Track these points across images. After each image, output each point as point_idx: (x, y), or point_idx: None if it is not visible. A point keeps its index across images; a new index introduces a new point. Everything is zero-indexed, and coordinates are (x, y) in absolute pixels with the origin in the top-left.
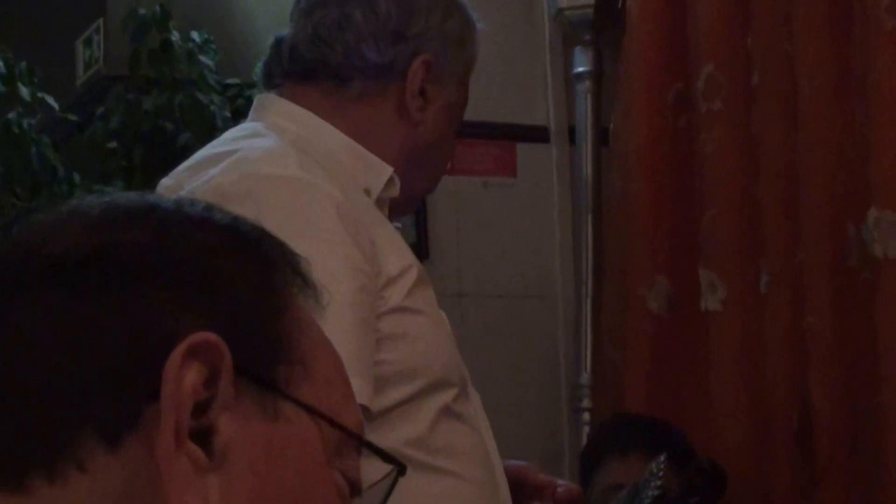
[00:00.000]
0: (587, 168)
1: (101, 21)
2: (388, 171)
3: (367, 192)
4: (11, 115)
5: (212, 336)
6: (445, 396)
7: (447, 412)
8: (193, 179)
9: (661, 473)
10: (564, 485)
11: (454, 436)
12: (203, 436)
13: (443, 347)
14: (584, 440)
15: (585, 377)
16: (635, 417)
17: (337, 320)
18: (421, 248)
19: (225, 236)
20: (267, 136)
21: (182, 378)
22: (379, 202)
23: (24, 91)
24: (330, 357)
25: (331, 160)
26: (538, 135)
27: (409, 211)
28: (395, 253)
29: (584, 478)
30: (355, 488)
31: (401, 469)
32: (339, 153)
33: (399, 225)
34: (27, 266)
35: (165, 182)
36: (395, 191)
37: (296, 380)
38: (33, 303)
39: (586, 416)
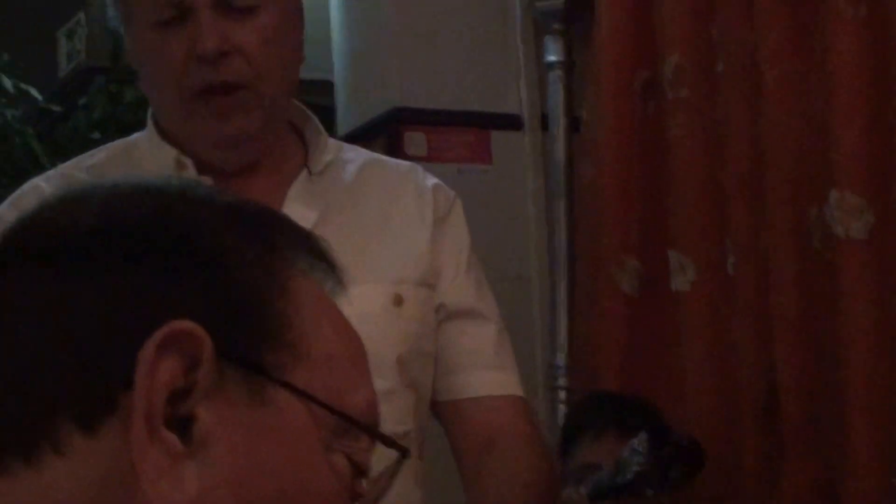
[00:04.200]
0: (560, 154)
1: (82, 12)
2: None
3: None
4: None
5: (190, 325)
6: None
7: None
8: None
9: (642, 450)
10: None
11: None
12: (182, 423)
13: None
14: (561, 419)
15: (561, 357)
16: (609, 396)
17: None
18: None
19: (224, 216)
20: None
21: (156, 367)
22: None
23: (8, 82)
24: (337, 338)
25: None
26: (512, 122)
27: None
28: None
29: (562, 457)
30: (361, 470)
31: (404, 453)
32: None
33: None
34: (19, 245)
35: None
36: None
37: (289, 363)
38: (18, 281)
39: (562, 394)
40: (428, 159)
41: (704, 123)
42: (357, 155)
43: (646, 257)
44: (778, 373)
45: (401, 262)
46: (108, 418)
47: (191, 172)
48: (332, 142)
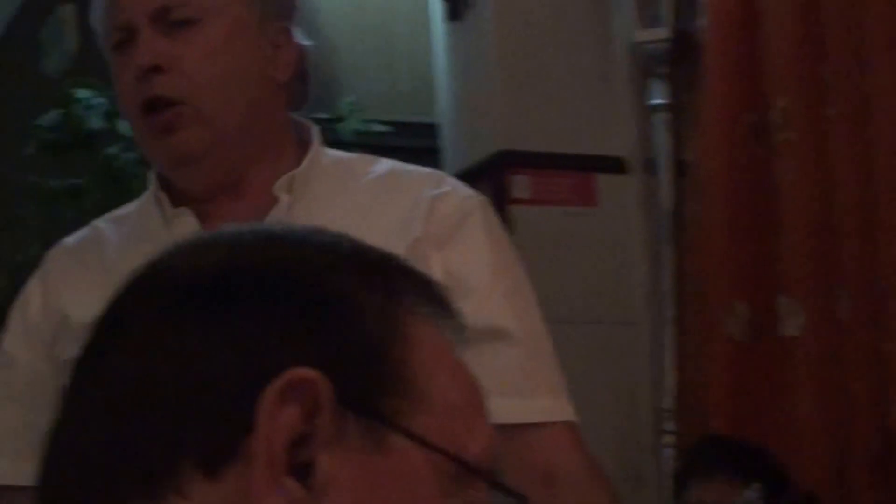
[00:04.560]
0: (666, 198)
1: None
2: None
3: None
4: (112, 150)
5: (310, 372)
6: None
7: None
8: None
9: (758, 500)
10: None
11: None
12: (303, 470)
13: None
14: (668, 463)
15: (668, 401)
16: (722, 439)
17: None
18: None
19: (346, 263)
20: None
21: (278, 414)
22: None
23: (123, 126)
24: (457, 384)
25: None
26: (617, 165)
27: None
28: None
29: (674, 498)
30: None
31: (523, 501)
32: None
33: None
34: (146, 289)
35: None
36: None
37: (408, 410)
38: (143, 326)
39: (670, 439)
40: (532, 202)
41: (814, 167)
42: (382, 167)
43: (755, 302)
44: (892, 420)
45: None
46: (230, 463)
47: (166, 207)
48: (345, 156)
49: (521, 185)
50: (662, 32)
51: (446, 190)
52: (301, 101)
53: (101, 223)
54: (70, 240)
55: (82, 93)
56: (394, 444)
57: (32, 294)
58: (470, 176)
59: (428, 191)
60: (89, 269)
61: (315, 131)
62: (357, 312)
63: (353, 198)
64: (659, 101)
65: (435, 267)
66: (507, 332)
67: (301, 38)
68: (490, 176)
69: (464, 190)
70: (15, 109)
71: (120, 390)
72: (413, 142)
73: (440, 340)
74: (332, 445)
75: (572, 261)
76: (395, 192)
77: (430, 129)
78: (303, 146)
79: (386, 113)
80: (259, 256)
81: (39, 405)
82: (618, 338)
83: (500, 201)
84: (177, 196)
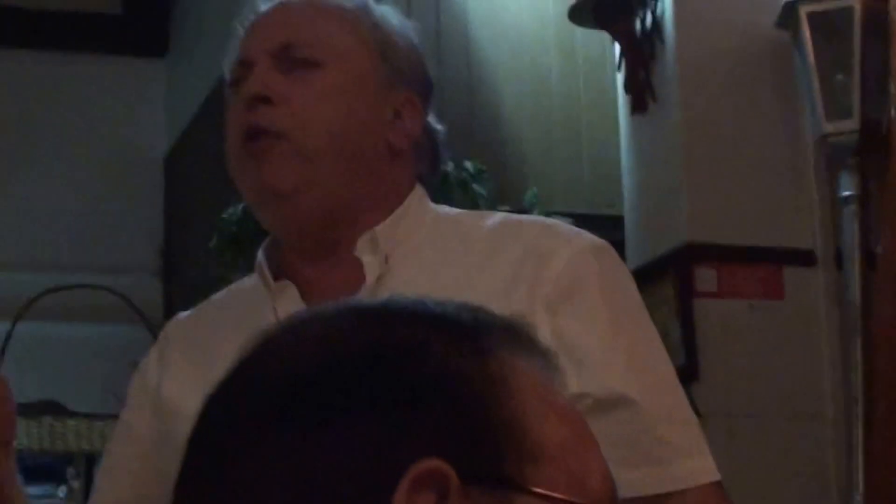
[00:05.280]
0: (855, 291)
1: None
2: None
3: None
4: None
5: (433, 463)
6: None
7: None
8: None
9: None
10: None
11: None
12: None
13: None
14: None
15: (858, 499)
16: None
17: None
18: (690, 369)
19: (435, 333)
20: None
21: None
22: None
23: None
24: (564, 423)
25: None
26: (805, 258)
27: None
28: None
29: None
30: None
31: None
32: None
33: None
34: (245, 400)
35: None
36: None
37: (528, 467)
38: (254, 442)
39: None
40: (718, 295)
41: None
42: (494, 220)
43: None
44: None
45: None
46: None
47: (268, 280)
48: (454, 212)
49: (706, 277)
50: (851, 124)
51: (557, 243)
52: (427, 176)
53: (219, 296)
54: (186, 314)
55: None
56: (519, 502)
57: (150, 363)
58: (654, 268)
59: (538, 244)
60: (200, 344)
61: (415, 190)
62: (458, 387)
63: (458, 254)
64: (848, 192)
65: (544, 330)
66: (630, 398)
67: (432, 121)
68: (675, 269)
69: (578, 242)
70: (204, 202)
71: None
72: (595, 234)
73: (537, 379)
74: None
75: (758, 354)
76: (502, 245)
77: (613, 222)
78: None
79: (569, 205)
80: (353, 346)
81: (153, 478)
82: (806, 433)
83: (685, 294)
84: (284, 265)
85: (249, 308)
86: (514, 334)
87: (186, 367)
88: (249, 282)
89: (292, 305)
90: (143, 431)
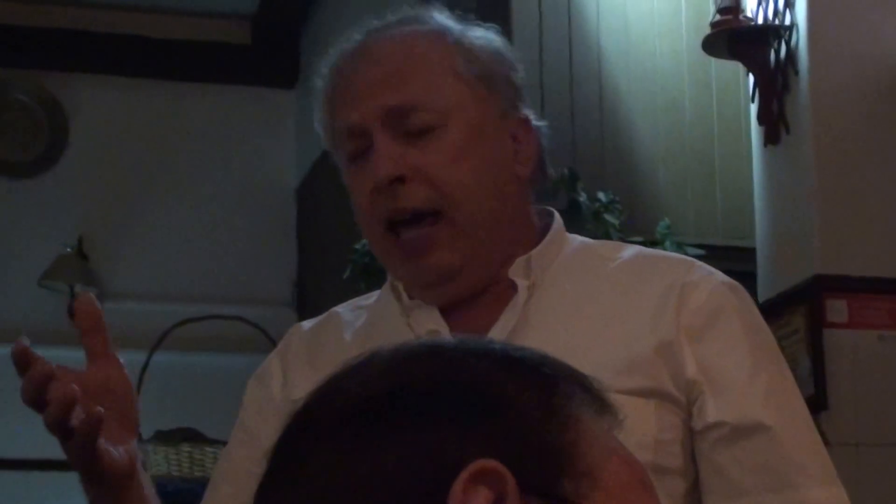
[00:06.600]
0: None
1: None
2: None
3: None
4: None
5: (492, 462)
6: None
7: None
8: None
9: None
10: None
11: None
12: None
13: None
14: None
15: None
16: None
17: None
18: (819, 399)
19: (504, 365)
20: None
21: (471, 498)
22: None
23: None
24: (625, 467)
25: None
26: None
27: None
28: None
29: None
30: None
31: None
32: None
33: None
34: (323, 415)
35: None
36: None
37: (584, 491)
38: (328, 450)
39: None
40: (848, 326)
41: None
42: (629, 252)
43: None
44: None
45: (611, 368)
46: None
47: (403, 298)
48: (591, 242)
49: (837, 309)
50: None
51: (698, 277)
52: (541, 187)
53: (341, 309)
54: (308, 323)
55: None
56: None
57: (272, 369)
58: (784, 299)
59: (679, 278)
60: (325, 351)
61: (556, 217)
62: (521, 409)
63: (599, 284)
64: None
65: (688, 360)
66: (767, 426)
67: (534, 118)
68: (805, 300)
69: (716, 277)
70: (336, 233)
71: None
72: (726, 265)
73: (602, 427)
74: None
75: (888, 385)
76: (643, 279)
77: (744, 253)
78: (544, 235)
79: (701, 236)
80: (422, 371)
81: None
82: None
83: (816, 325)
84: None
85: (383, 321)
86: (584, 384)
87: (313, 373)
88: (374, 299)
89: (430, 320)
90: (265, 436)
